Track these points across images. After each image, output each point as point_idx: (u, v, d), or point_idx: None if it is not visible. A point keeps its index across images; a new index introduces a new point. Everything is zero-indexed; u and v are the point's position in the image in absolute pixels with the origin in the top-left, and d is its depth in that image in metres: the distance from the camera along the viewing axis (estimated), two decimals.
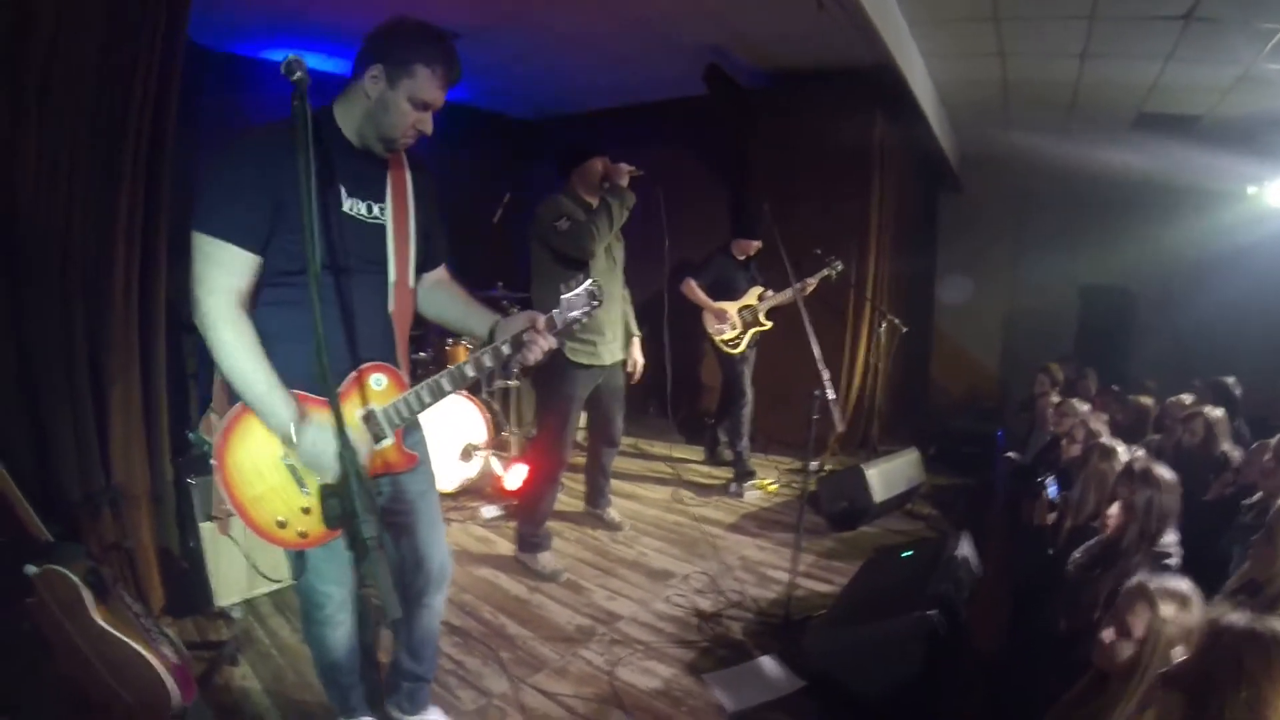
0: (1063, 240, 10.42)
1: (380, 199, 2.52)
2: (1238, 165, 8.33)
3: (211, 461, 2.34)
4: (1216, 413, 4.87)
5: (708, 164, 9.21)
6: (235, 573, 4.20)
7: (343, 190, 2.39)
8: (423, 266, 2.76)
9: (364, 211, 2.47)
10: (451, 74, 2.38)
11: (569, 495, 6.38)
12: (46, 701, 3.05)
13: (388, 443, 2.49)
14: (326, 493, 1.92)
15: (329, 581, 2.66)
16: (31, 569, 2.86)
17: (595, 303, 2.64)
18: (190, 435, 2.53)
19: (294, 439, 2.23)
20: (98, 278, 3.63)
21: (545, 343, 2.56)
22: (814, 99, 8.04)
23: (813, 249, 7.00)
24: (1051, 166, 9.74)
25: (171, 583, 4.10)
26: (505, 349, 2.52)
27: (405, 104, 2.32)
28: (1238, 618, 1.78)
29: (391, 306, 2.60)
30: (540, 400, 5.31)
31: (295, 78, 1.89)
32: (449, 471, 6.27)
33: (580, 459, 6.22)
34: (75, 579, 2.88)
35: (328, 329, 2.12)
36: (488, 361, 2.52)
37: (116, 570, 3.50)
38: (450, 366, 2.51)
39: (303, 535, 2.41)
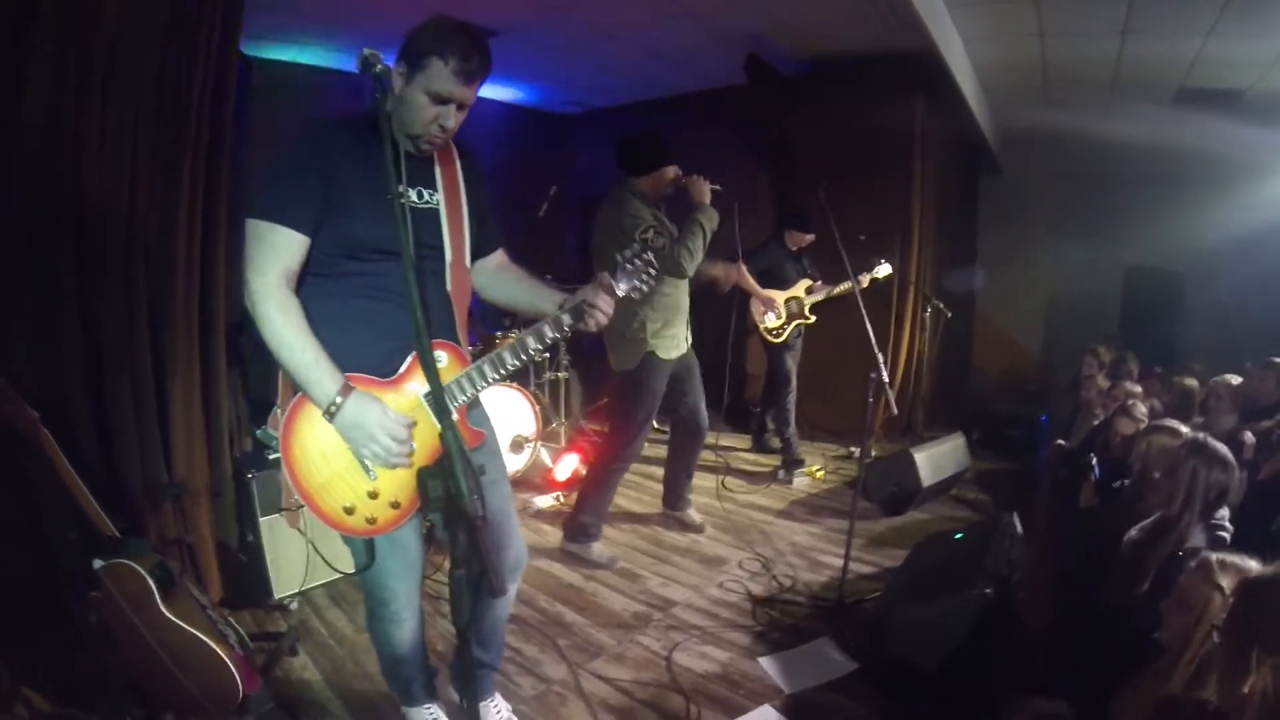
0: (1106, 221, 10.30)
1: (430, 185, 2.57)
2: None
3: (275, 454, 2.36)
4: None
5: (750, 153, 9.21)
6: (293, 565, 4.26)
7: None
8: (479, 250, 2.80)
9: (415, 199, 2.51)
10: (468, 65, 2.30)
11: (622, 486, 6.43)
12: (112, 693, 3.10)
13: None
14: (426, 474, 1.93)
15: (394, 577, 2.67)
16: (98, 563, 2.92)
17: (654, 269, 2.65)
18: (258, 433, 2.55)
19: (336, 410, 2.24)
20: (159, 277, 3.72)
21: (606, 309, 2.56)
22: (854, 85, 8.00)
23: (857, 236, 6.98)
24: (1093, 147, 9.63)
25: (229, 576, 4.19)
26: (566, 319, 2.54)
27: (422, 97, 2.31)
28: (1265, 568, 1.90)
29: (449, 286, 2.64)
30: (622, 393, 5.15)
31: (377, 70, 1.95)
32: None
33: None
34: (143, 572, 2.93)
35: (389, 311, 2.27)
36: (549, 331, 2.54)
37: (181, 564, 3.56)
38: (514, 340, 2.52)
39: (371, 521, 2.41)
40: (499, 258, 2.93)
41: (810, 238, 7.10)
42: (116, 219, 3.55)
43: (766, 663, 3.86)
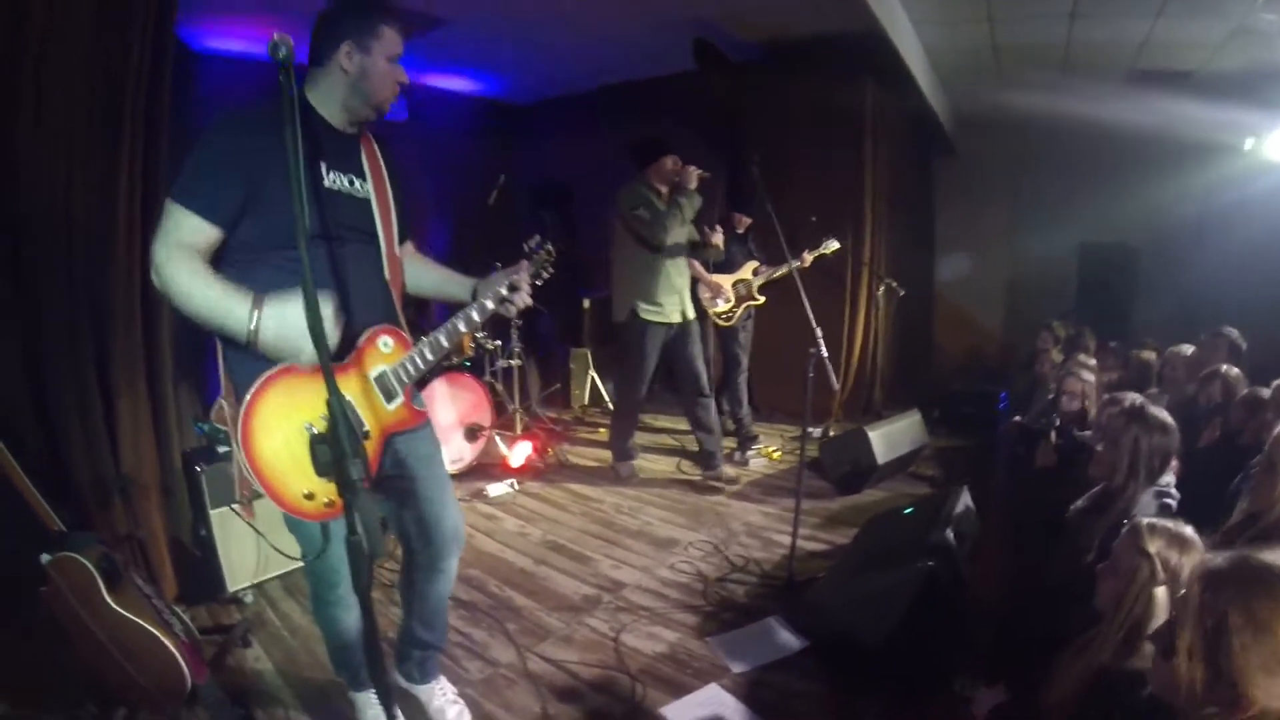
0: (1061, 199, 10.36)
1: (360, 174, 2.66)
2: (1234, 118, 8.27)
3: (226, 448, 2.44)
4: (1234, 371, 4.82)
5: (703, 139, 9.18)
6: (246, 558, 4.25)
7: (324, 166, 2.50)
8: (400, 236, 2.88)
9: (346, 185, 2.59)
10: (404, 23, 2.56)
11: (567, 470, 6.58)
12: (64, 689, 3.09)
13: (399, 401, 2.62)
14: (315, 440, 1.98)
15: (343, 561, 2.64)
16: (45, 557, 2.91)
17: (552, 256, 2.86)
18: (201, 427, 2.57)
19: (256, 328, 2.26)
20: (101, 269, 3.69)
21: (525, 293, 2.79)
22: (804, 69, 7.99)
23: (809, 218, 7.03)
24: (1047, 126, 9.66)
25: (184, 571, 4.16)
26: (489, 304, 2.75)
27: (384, 64, 2.48)
28: (1220, 559, 1.72)
29: (386, 273, 2.75)
30: (619, 353, 6.15)
31: (281, 55, 1.93)
32: (455, 451, 6.33)
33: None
34: (89, 565, 2.93)
35: (332, 295, 2.27)
36: (476, 315, 2.74)
37: (128, 558, 3.54)
38: (445, 324, 2.67)
39: (330, 505, 2.44)
40: (409, 246, 3.04)
41: (749, 220, 7.17)
42: (54, 210, 3.52)
43: (714, 642, 3.88)
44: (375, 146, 2.77)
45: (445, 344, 2.66)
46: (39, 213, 3.47)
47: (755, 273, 7.06)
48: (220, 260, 2.38)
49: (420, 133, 9.19)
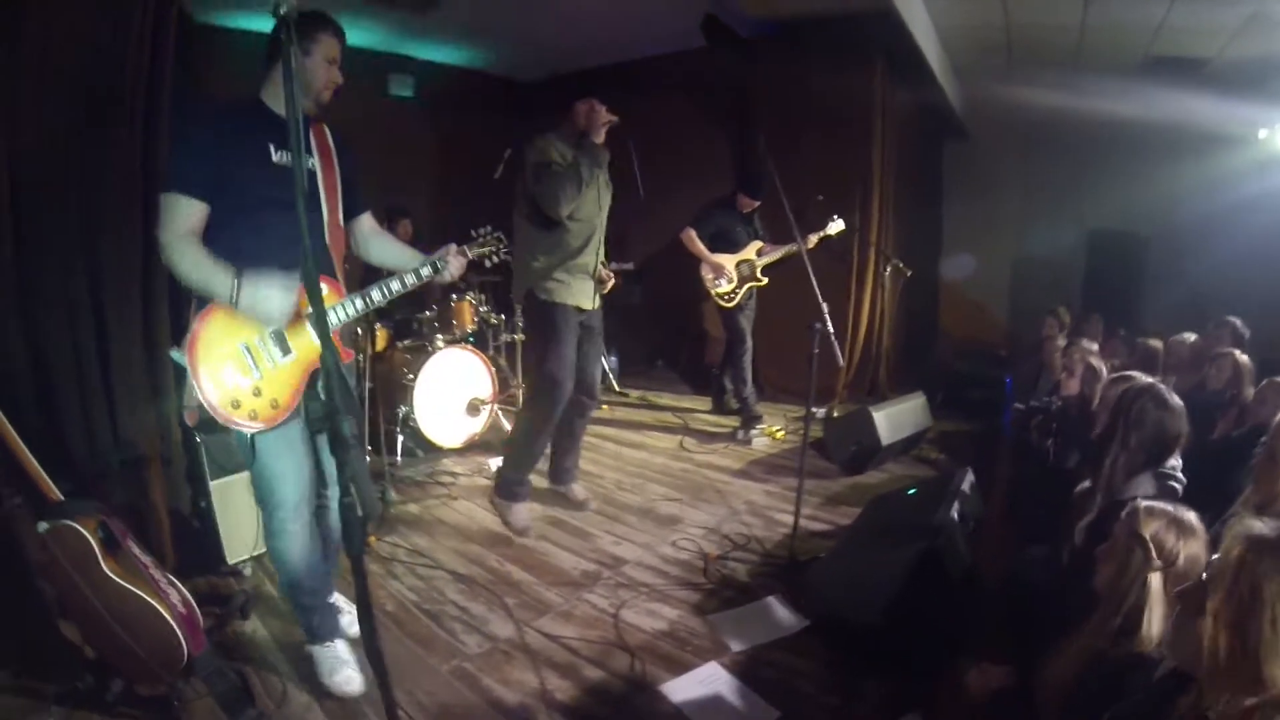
0: (1071, 185, 10.33)
1: (308, 152, 3.05)
2: (1248, 109, 8.22)
3: (184, 355, 2.78)
4: (1244, 357, 4.83)
5: (711, 115, 9.14)
6: (245, 530, 4.24)
7: (271, 146, 2.93)
8: (350, 210, 3.35)
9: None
10: (341, 34, 3.04)
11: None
12: (64, 660, 3.10)
13: None
14: (308, 397, 2.29)
15: (280, 480, 3.03)
16: (43, 525, 2.91)
17: (502, 242, 3.48)
18: (172, 353, 2.83)
19: (236, 296, 2.73)
20: (98, 241, 3.74)
21: (456, 267, 3.29)
22: (814, 46, 7.94)
23: (815, 197, 6.97)
24: (1058, 111, 9.61)
25: (183, 542, 4.16)
26: (426, 269, 3.22)
27: (322, 64, 2.98)
28: (1268, 527, 1.60)
29: (327, 237, 3.17)
30: (532, 345, 5.09)
31: (282, 12, 2.13)
32: (457, 426, 6.33)
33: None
34: (86, 533, 2.92)
35: (273, 251, 2.78)
36: (410, 280, 3.18)
37: (125, 527, 3.52)
38: (379, 282, 3.13)
39: (252, 415, 2.85)
40: (370, 222, 3.54)
41: (756, 204, 7.09)
42: (54, 183, 3.60)
43: (715, 620, 3.86)
44: (328, 136, 3.20)
45: (376, 298, 3.10)
46: (37, 184, 3.54)
47: (759, 253, 7.03)
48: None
49: (426, 108, 9.17)
